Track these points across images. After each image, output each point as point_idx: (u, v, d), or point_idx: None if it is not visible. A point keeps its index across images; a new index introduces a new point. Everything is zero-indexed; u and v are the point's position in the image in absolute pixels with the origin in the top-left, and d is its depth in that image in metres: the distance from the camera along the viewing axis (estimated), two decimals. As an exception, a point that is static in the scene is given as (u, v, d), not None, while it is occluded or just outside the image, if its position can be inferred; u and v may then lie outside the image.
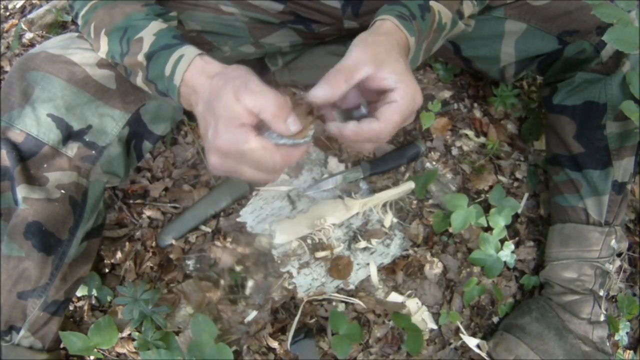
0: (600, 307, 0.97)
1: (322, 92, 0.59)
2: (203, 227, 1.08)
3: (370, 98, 0.63)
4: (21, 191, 0.73)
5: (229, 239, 1.06)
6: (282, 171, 0.60)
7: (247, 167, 0.58)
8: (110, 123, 0.80)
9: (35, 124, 0.73)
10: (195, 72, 0.64)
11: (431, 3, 0.71)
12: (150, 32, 0.69)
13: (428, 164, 1.16)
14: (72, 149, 0.77)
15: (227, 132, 0.56)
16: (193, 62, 0.64)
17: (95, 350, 0.91)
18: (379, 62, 0.59)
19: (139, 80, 0.72)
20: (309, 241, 1.06)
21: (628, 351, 1.05)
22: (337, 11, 0.89)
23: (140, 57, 0.69)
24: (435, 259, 1.06)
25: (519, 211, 1.11)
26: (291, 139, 0.57)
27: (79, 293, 1.01)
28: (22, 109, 0.73)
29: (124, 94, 0.80)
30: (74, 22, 1.45)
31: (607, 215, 0.96)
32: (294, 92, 1.23)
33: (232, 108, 0.55)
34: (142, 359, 0.91)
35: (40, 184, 0.75)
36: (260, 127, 0.57)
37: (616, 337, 1.03)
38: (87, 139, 0.78)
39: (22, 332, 0.79)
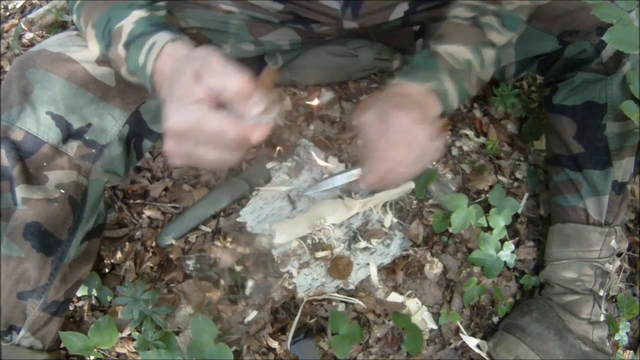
0: (600, 307, 0.97)
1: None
2: (203, 227, 1.08)
3: None
4: (20, 192, 0.73)
5: (229, 239, 1.06)
6: (245, 150, 0.55)
7: (206, 147, 0.53)
8: (110, 121, 0.80)
9: (35, 123, 0.73)
10: (166, 59, 0.62)
11: (437, 49, 0.76)
12: (130, 21, 0.67)
13: (428, 164, 1.16)
14: (72, 148, 0.77)
15: (180, 109, 0.52)
16: (164, 49, 0.62)
17: (95, 350, 0.91)
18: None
19: (124, 73, 0.71)
20: (309, 241, 1.06)
21: (628, 351, 1.05)
22: (337, 12, 0.88)
23: (120, 49, 0.67)
24: (435, 259, 1.06)
25: (519, 211, 1.11)
26: (255, 116, 0.52)
27: (79, 293, 1.01)
28: (22, 107, 0.73)
29: (123, 92, 0.80)
30: (73, 22, 1.44)
31: (607, 215, 0.96)
32: (294, 92, 1.24)
33: (190, 88, 0.52)
34: (142, 359, 0.91)
35: (39, 183, 0.74)
36: (221, 108, 0.53)
37: (616, 337, 1.03)
38: (87, 138, 0.78)
39: (22, 332, 0.79)
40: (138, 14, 0.69)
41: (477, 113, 1.24)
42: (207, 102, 0.52)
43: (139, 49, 0.65)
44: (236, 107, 0.52)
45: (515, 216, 1.12)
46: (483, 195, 1.14)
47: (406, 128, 0.67)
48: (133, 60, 0.66)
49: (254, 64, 1.05)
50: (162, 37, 0.65)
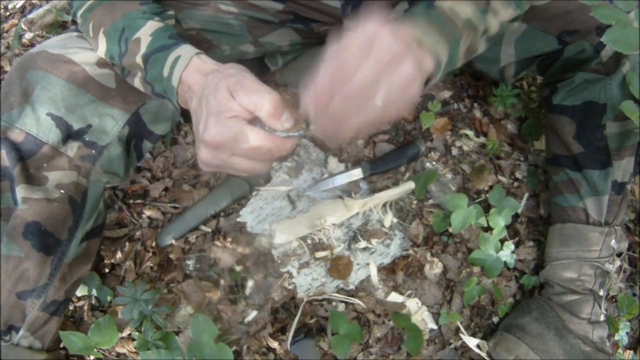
0: (600, 307, 0.97)
1: None
2: (203, 227, 1.08)
3: None
4: (20, 191, 0.73)
5: (229, 239, 1.06)
6: (275, 160, 0.60)
7: (239, 157, 0.58)
8: (110, 122, 0.80)
9: (35, 124, 0.73)
10: (192, 71, 0.64)
11: (437, 3, 0.65)
12: (146, 33, 0.69)
13: (428, 164, 1.16)
14: (72, 149, 0.77)
15: (219, 124, 0.56)
16: (190, 62, 0.64)
17: (95, 350, 0.91)
18: None
19: (137, 81, 0.72)
20: (309, 241, 1.06)
21: (628, 351, 1.05)
22: (337, 11, 0.88)
23: (138, 59, 0.69)
24: (435, 259, 1.06)
25: (519, 211, 1.11)
26: (284, 132, 0.58)
27: (79, 293, 1.01)
28: (22, 108, 0.74)
29: (123, 93, 0.80)
30: (74, 22, 1.45)
31: (607, 215, 0.96)
32: (294, 92, 1.24)
33: (226, 104, 0.56)
34: (142, 359, 0.91)
35: (39, 183, 0.75)
36: (252, 122, 0.58)
37: (616, 337, 1.03)
38: (87, 139, 0.78)
39: (21, 332, 0.79)
40: (153, 25, 0.70)
41: (477, 113, 1.24)
42: (243, 117, 0.56)
43: (161, 61, 0.67)
44: (268, 123, 0.56)
45: (515, 216, 1.12)
46: (483, 195, 1.14)
47: (389, 48, 0.52)
48: (155, 72, 0.67)
49: (254, 65, 1.05)
50: (187, 50, 0.66)
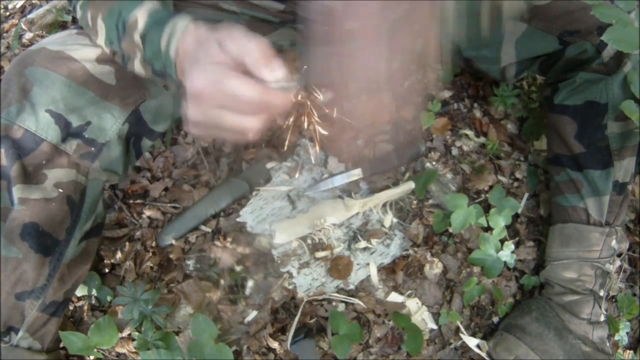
0: (600, 307, 0.97)
1: None
2: (203, 227, 1.08)
3: None
4: (17, 192, 0.72)
5: (229, 239, 1.06)
6: (268, 116, 0.55)
7: (228, 111, 0.54)
8: (110, 120, 0.80)
9: (34, 121, 0.73)
10: (188, 38, 0.62)
11: None
12: (144, 10, 0.67)
13: (428, 164, 1.16)
14: (72, 146, 0.76)
15: (204, 70, 0.53)
16: (187, 29, 0.63)
17: (95, 350, 0.91)
18: None
19: (137, 64, 0.70)
20: (309, 241, 1.05)
21: (628, 351, 1.05)
22: (338, 11, 0.88)
23: (136, 37, 0.67)
24: (435, 259, 1.06)
25: (519, 211, 1.11)
26: (276, 82, 0.53)
27: (78, 293, 1.01)
28: (21, 105, 0.73)
29: (123, 91, 0.80)
30: (74, 21, 1.45)
31: (607, 215, 0.96)
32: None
33: (215, 54, 0.53)
34: (142, 359, 0.91)
35: (38, 182, 0.74)
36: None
37: (616, 337, 1.03)
38: (86, 136, 0.77)
39: (20, 333, 0.79)
40: (150, 3, 0.68)
41: (477, 113, 1.24)
42: (229, 65, 0.53)
43: (158, 34, 0.64)
44: (258, 72, 0.53)
45: (515, 216, 1.12)
46: (483, 195, 1.14)
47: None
48: (153, 46, 0.65)
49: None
50: (182, 19, 0.64)
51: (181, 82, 0.63)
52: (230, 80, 0.51)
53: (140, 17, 0.67)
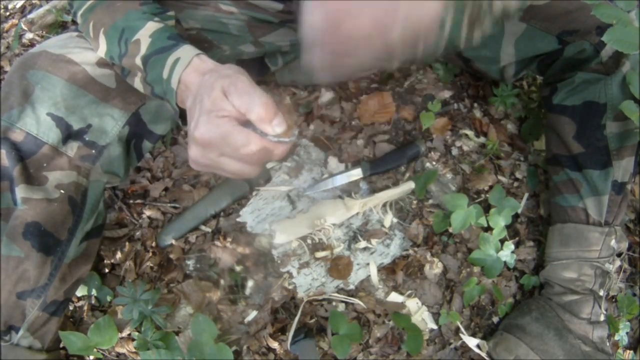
0: (600, 307, 0.97)
1: None
2: (203, 227, 1.08)
3: None
4: (20, 191, 0.73)
5: (229, 239, 1.06)
6: (264, 165, 0.60)
7: (228, 158, 0.58)
8: (110, 122, 0.80)
9: (35, 123, 0.74)
10: (191, 71, 0.64)
11: None
12: (146, 34, 0.69)
13: (428, 164, 1.16)
14: (72, 149, 0.77)
15: (210, 122, 0.56)
16: (190, 63, 0.65)
17: (95, 350, 0.91)
18: None
19: (137, 82, 0.72)
20: (309, 241, 1.06)
21: (628, 351, 1.05)
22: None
23: (138, 61, 0.69)
24: (435, 259, 1.06)
25: (519, 211, 1.11)
26: (276, 137, 0.57)
27: (78, 293, 1.01)
28: (22, 108, 0.74)
29: (123, 94, 0.80)
30: (74, 22, 1.45)
31: (607, 215, 0.96)
32: (294, 92, 1.24)
33: (219, 103, 0.56)
34: (142, 359, 0.91)
35: (39, 183, 0.75)
36: (245, 125, 0.58)
37: (616, 337, 1.03)
38: (87, 139, 0.78)
39: (20, 332, 0.79)
40: (153, 25, 0.70)
41: (477, 113, 1.24)
42: (234, 118, 0.56)
43: (161, 63, 0.67)
44: (260, 127, 0.57)
45: (515, 216, 1.12)
46: (483, 195, 1.14)
47: None
48: (154, 73, 0.68)
49: (254, 65, 1.05)
50: (187, 51, 0.66)
51: (180, 110, 0.67)
52: (237, 136, 0.56)
53: (143, 40, 0.69)
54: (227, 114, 0.56)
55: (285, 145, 0.58)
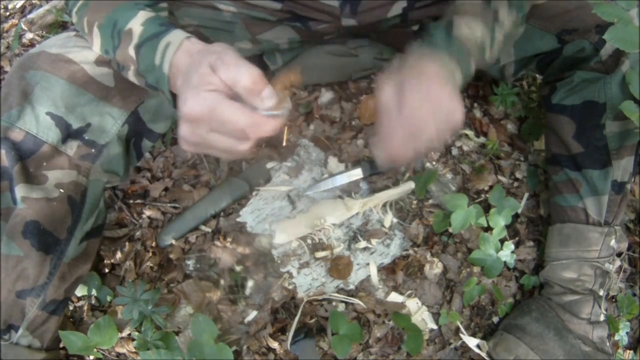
0: (600, 307, 0.97)
1: None
2: (203, 227, 1.08)
3: None
4: (20, 191, 0.73)
5: (229, 239, 1.06)
6: (255, 141, 0.58)
7: (218, 134, 0.56)
8: (110, 121, 0.80)
9: (35, 123, 0.74)
10: (181, 54, 0.63)
11: (455, 33, 0.72)
12: (138, 22, 0.68)
13: (428, 164, 1.16)
14: (72, 148, 0.77)
15: (197, 96, 0.55)
16: (180, 46, 0.64)
17: (94, 350, 0.91)
18: None
19: (131, 75, 0.72)
20: (309, 241, 1.05)
21: (628, 351, 1.05)
22: (336, 9, 0.88)
23: (131, 50, 0.68)
24: (435, 259, 1.06)
25: (519, 211, 1.11)
26: (267, 110, 0.55)
27: (78, 293, 1.01)
28: (22, 108, 0.74)
29: (122, 92, 0.80)
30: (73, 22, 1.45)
31: (606, 215, 0.96)
32: (294, 92, 1.23)
33: (207, 78, 0.55)
34: (142, 359, 0.91)
35: (39, 182, 0.75)
36: (235, 100, 0.56)
37: (616, 337, 1.03)
38: (86, 138, 0.78)
39: (20, 331, 0.79)
40: (144, 14, 0.70)
41: (477, 113, 1.25)
42: (222, 92, 0.55)
43: (153, 49, 0.66)
44: (249, 100, 0.55)
45: (515, 216, 1.12)
46: (483, 195, 1.14)
47: (431, 87, 0.65)
48: (147, 61, 0.67)
49: (253, 63, 1.05)
50: (177, 35, 0.65)
51: (173, 96, 0.66)
52: (224, 109, 0.54)
53: (135, 29, 0.68)
54: (214, 88, 0.54)
55: (276, 120, 0.56)
